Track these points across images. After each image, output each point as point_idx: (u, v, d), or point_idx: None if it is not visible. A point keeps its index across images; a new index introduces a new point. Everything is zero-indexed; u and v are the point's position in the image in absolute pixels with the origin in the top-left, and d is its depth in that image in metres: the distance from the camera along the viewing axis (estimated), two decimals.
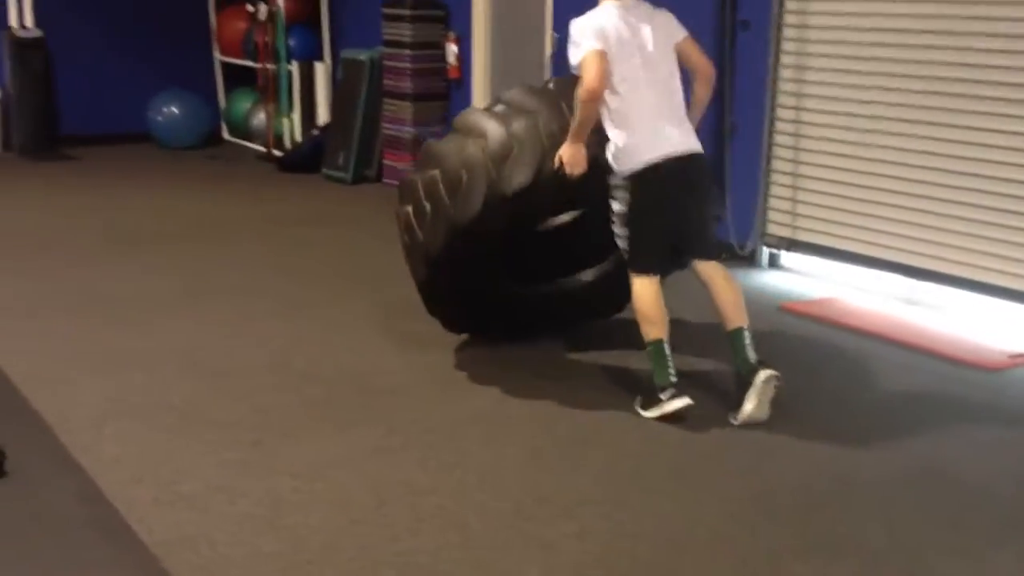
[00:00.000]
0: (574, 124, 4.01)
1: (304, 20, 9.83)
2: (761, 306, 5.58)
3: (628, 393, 4.21)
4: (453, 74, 8.53)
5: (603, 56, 3.92)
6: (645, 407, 4.06)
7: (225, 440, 3.78)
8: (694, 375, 4.38)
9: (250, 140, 10.30)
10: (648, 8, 4.19)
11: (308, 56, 9.69)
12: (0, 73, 9.73)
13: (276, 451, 3.71)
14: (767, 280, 6.12)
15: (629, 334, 4.31)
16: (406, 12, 8.41)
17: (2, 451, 3.46)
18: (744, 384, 3.98)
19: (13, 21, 9.51)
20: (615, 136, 4.02)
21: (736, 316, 4.07)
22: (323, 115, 9.56)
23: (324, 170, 9.07)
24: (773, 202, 6.25)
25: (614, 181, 4.09)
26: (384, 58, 8.78)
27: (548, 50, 7.59)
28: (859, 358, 4.83)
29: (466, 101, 8.47)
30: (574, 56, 4.02)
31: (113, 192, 8.22)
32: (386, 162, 8.90)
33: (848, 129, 5.78)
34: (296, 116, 9.68)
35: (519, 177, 4.06)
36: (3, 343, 4.71)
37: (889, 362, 4.78)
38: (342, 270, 6.13)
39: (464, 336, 4.88)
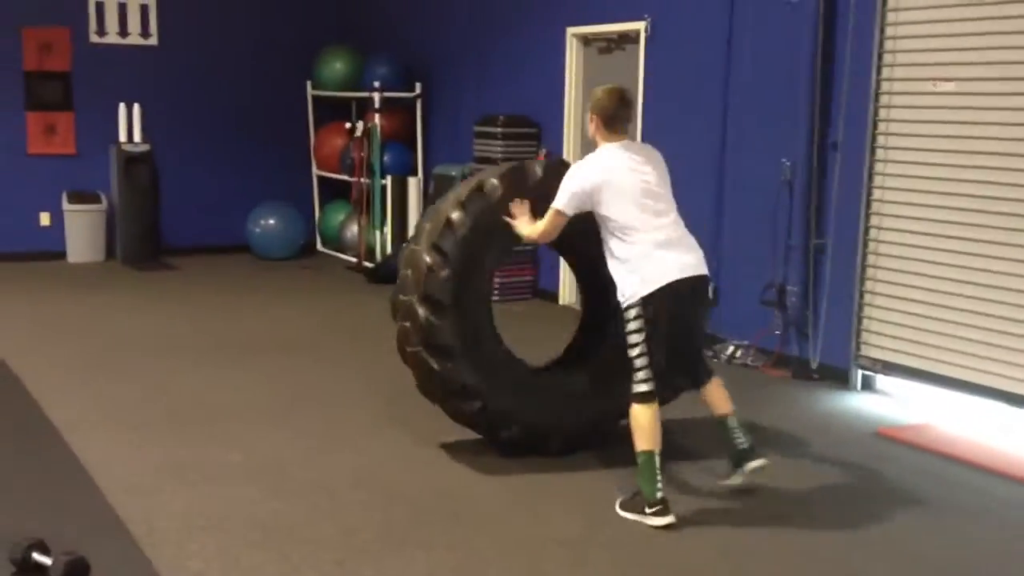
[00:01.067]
0: (532, 231, 4.48)
1: (399, 137, 10.12)
2: (856, 431, 5.47)
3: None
4: None
5: (559, 216, 4.33)
6: (624, 508, 4.27)
7: (309, 559, 3.77)
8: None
9: (342, 251, 10.54)
10: (646, 147, 4.55)
11: (401, 171, 9.95)
12: (108, 185, 10.16)
13: (359, 572, 3.69)
14: (861, 403, 5.97)
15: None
16: (498, 129, 8.60)
17: (86, 563, 3.50)
18: (736, 460, 4.49)
19: (123, 137, 9.96)
20: (623, 272, 4.26)
21: (723, 405, 4.52)
22: (413, 228, 9.72)
23: None
24: (867, 323, 6.13)
25: (628, 308, 4.25)
26: (474, 174, 8.92)
27: None
28: (959, 490, 4.65)
29: None
30: (557, 198, 4.33)
31: (210, 302, 8.43)
32: None
33: (943, 250, 5.68)
34: (387, 229, 9.89)
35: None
36: (98, 451, 4.80)
37: (991, 495, 4.59)
38: None
39: (554, 458, 4.83)
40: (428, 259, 4.63)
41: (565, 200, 4.30)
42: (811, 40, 6.23)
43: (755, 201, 6.75)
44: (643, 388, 4.22)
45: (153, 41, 10.42)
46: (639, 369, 4.23)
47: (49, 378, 6.02)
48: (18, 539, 3.60)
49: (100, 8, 10.17)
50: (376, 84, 9.73)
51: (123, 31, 10.30)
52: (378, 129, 9.81)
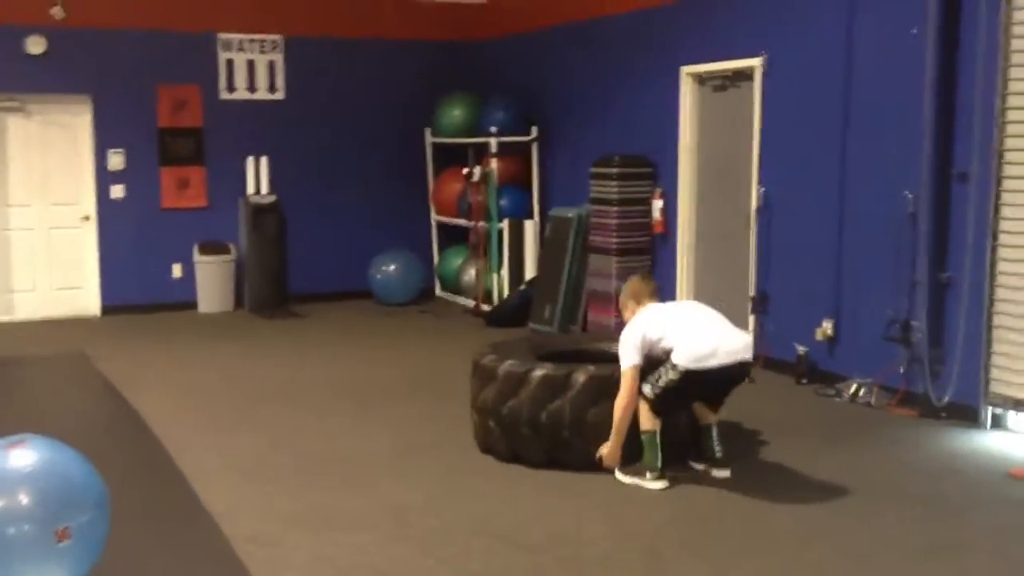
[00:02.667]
0: (615, 427, 5.03)
1: (515, 181, 10.24)
2: (987, 471, 5.26)
3: None
4: (658, 228, 8.62)
5: (638, 371, 5.00)
6: (631, 475, 5.08)
7: None
8: None
9: (460, 295, 10.68)
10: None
11: (518, 214, 10.05)
12: (237, 236, 10.55)
13: None
14: (992, 443, 5.74)
15: None
16: (614, 170, 8.61)
17: None
18: (708, 461, 5.22)
19: (251, 188, 10.34)
20: (676, 345, 4.94)
21: (708, 415, 5.22)
22: (531, 270, 9.82)
23: (531, 324, 9.26)
24: (996, 359, 5.90)
25: (669, 359, 4.94)
26: (591, 214, 8.98)
27: (754, 204, 7.56)
28: None
29: (671, 255, 8.52)
30: (623, 362, 5.04)
31: (334, 349, 8.63)
32: (591, 316, 9.00)
33: None
34: (505, 271, 9.99)
35: None
36: (224, 500, 4.96)
37: None
38: None
39: (673, 503, 4.78)
40: None
41: (635, 353, 5.02)
42: (933, 69, 6.09)
43: (877, 235, 6.59)
44: (647, 394, 4.98)
45: (280, 96, 10.82)
46: (657, 389, 4.96)
47: (179, 426, 6.25)
48: None
49: (230, 65, 10.61)
50: (493, 129, 9.88)
51: (251, 87, 10.72)
52: (495, 173, 9.94)
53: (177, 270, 10.54)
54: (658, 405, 4.97)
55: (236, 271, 10.53)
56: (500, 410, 5.36)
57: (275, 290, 10.37)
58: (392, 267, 10.73)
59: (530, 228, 9.98)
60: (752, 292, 7.63)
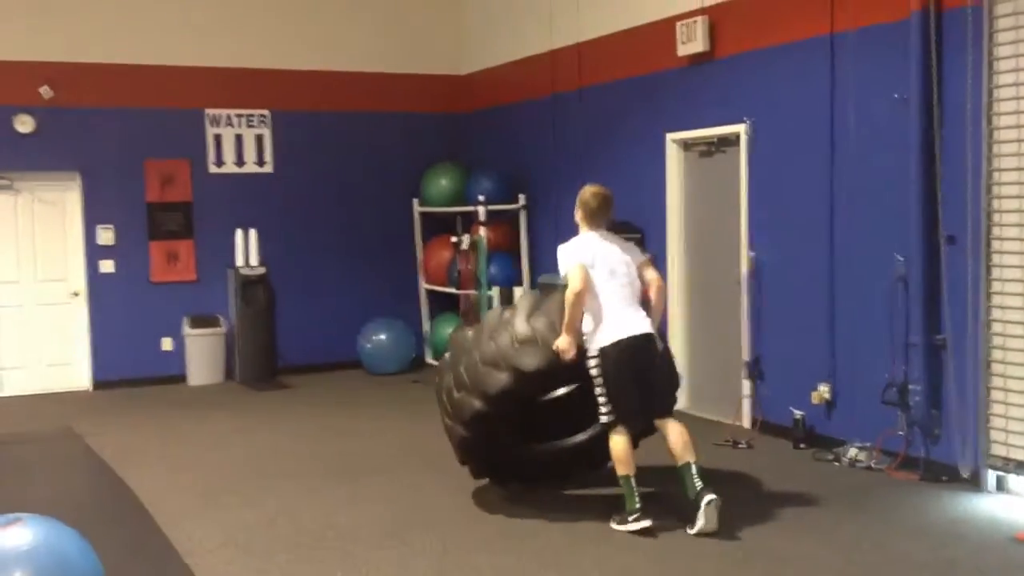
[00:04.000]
0: (566, 320, 5.39)
1: (504, 248, 10.27)
2: (992, 536, 5.23)
3: None
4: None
5: (584, 268, 5.45)
6: (617, 523, 5.39)
7: None
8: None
9: None
10: (615, 237, 5.78)
11: (507, 282, 10.06)
12: (226, 308, 10.51)
13: None
14: (994, 506, 5.70)
15: None
16: None
17: None
18: (695, 506, 5.23)
19: (240, 261, 10.34)
20: (588, 325, 5.44)
21: (685, 454, 5.37)
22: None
23: None
24: (996, 420, 5.89)
25: (589, 356, 5.43)
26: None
27: (744, 269, 7.59)
28: None
29: (661, 320, 8.50)
30: (563, 267, 5.52)
31: (326, 421, 8.55)
32: None
33: None
34: None
35: (535, 361, 5.45)
36: None
37: None
38: (553, 497, 6.11)
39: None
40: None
41: (577, 257, 5.50)
42: (918, 132, 6.16)
43: (870, 298, 6.62)
44: (607, 419, 5.41)
45: (268, 168, 10.88)
46: (601, 405, 5.41)
47: (172, 501, 6.17)
48: None
49: (218, 140, 10.68)
50: (480, 197, 9.94)
51: (240, 160, 10.77)
52: (484, 241, 9.97)
53: (167, 343, 10.47)
54: (619, 414, 5.37)
55: (226, 343, 10.48)
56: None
57: (265, 361, 10.32)
58: (382, 336, 10.70)
59: (519, 295, 9.98)
60: (746, 357, 7.63)
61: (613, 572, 4.83)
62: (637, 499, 5.32)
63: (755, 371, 7.55)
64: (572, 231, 9.23)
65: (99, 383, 10.21)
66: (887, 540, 5.20)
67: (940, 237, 6.11)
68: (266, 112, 10.84)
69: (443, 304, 11.13)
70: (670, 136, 8.33)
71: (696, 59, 7.97)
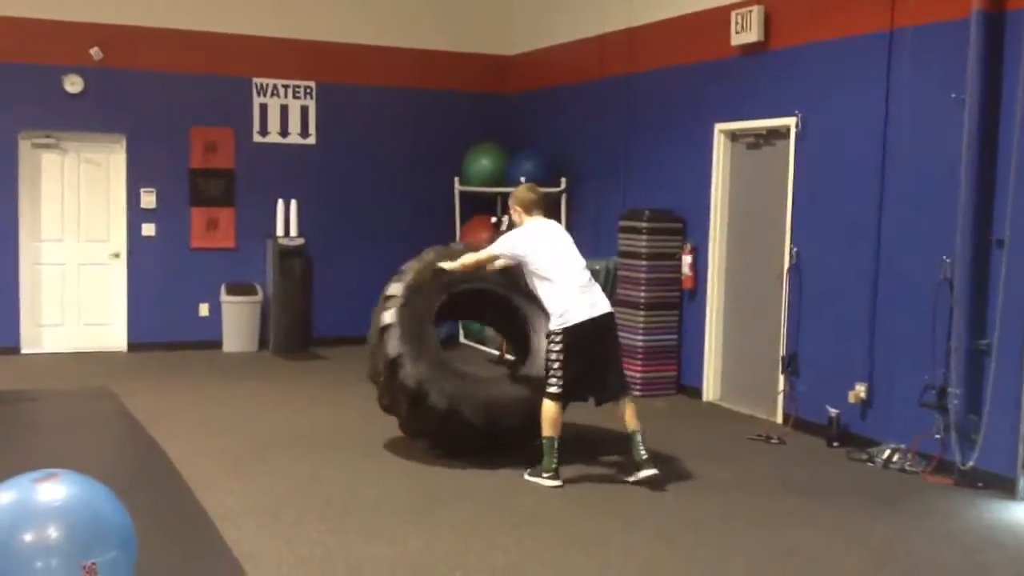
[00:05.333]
0: (466, 261, 6.23)
1: None
2: None
3: None
4: (687, 284, 8.57)
5: (492, 257, 6.19)
6: (530, 475, 5.95)
7: None
8: None
9: (484, 344, 10.63)
10: (555, 224, 6.26)
11: None
12: (264, 277, 10.56)
13: None
14: None
15: None
16: (643, 224, 8.59)
17: None
18: (637, 467, 5.89)
19: (280, 231, 10.37)
20: (553, 305, 5.88)
21: (633, 425, 5.91)
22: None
23: None
24: None
25: (554, 332, 5.87)
26: (619, 268, 8.93)
27: (787, 263, 7.51)
28: None
29: (699, 310, 8.47)
30: (493, 248, 6.17)
31: (357, 392, 8.52)
32: None
33: None
34: None
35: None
36: (250, 542, 4.89)
37: None
38: (585, 483, 6.09)
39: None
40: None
41: (501, 250, 6.09)
42: (974, 134, 6.05)
43: (912, 299, 6.53)
44: (553, 390, 5.85)
45: (311, 140, 10.89)
46: (552, 377, 5.86)
47: (203, 466, 6.20)
48: None
49: (264, 110, 10.70)
50: (522, 179, 9.88)
51: (284, 131, 10.80)
52: None
53: (204, 309, 10.55)
54: (564, 388, 5.82)
55: (262, 312, 10.53)
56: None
57: (299, 332, 10.36)
58: None
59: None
60: (783, 352, 7.56)
61: (641, 560, 4.80)
62: (555, 460, 5.85)
63: (791, 367, 7.48)
64: (612, 215, 9.26)
65: (134, 345, 10.30)
66: (919, 544, 5.14)
67: (989, 240, 6.01)
68: (312, 84, 10.85)
69: None
70: (718, 127, 8.25)
71: (749, 49, 7.88)
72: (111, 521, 3.64)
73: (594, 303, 5.91)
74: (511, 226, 6.46)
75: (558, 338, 5.84)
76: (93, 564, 3.45)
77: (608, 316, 5.97)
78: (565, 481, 6.02)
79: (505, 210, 10.43)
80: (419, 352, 6.21)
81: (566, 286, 5.86)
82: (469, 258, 6.24)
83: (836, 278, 7.17)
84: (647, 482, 5.82)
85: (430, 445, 6.48)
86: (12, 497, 3.53)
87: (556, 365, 5.85)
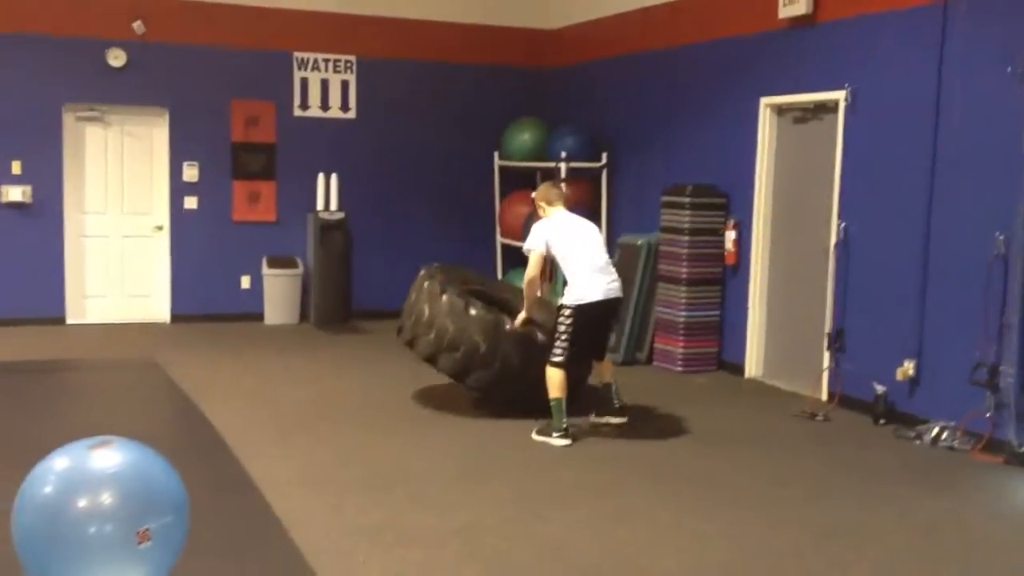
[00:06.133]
0: (525, 302, 6.59)
1: (583, 207, 10.13)
2: None
3: None
4: (730, 260, 8.50)
5: (542, 257, 6.45)
6: (538, 434, 6.29)
7: None
8: None
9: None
10: (574, 215, 6.63)
11: None
12: (304, 251, 10.59)
13: None
14: None
15: None
16: (686, 199, 8.52)
17: None
18: (611, 411, 6.54)
19: (320, 205, 10.39)
20: (570, 284, 6.31)
21: (608, 377, 6.56)
22: None
23: None
24: None
25: (564, 307, 6.29)
26: (661, 243, 8.89)
27: (833, 239, 7.42)
28: None
29: (742, 286, 8.40)
30: (528, 246, 6.48)
31: (398, 365, 8.55)
32: (657, 345, 8.89)
33: None
34: None
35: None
36: (296, 511, 4.92)
37: None
38: (628, 454, 6.07)
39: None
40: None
41: (535, 245, 6.43)
42: None
43: (964, 275, 6.42)
44: (557, 359, 6.25)
45: (352, 115, 10.89)
46: (557, 348, 6.25)
47: (248, 435, 6.25)
48: None
49: (304, 84, 10.71)
50: (563, 154, 9.84)
51: (324, 105, 10.80)
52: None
53: (245, 282, 10.61)
54: (566, 357, 6.22)
55: (303, 285, 10.57)
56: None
57: (340, 306, 10.38)
58: None
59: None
60: (828, 328, 7.48)
61: (687, 537, 4.78)
62: (564, 420, 6.19)
63: (837, 343, 7.40)
64: (654, 190, 9.20)
65: (177, 316, 10.38)
66: (968, 521, 5.08)
67: None
68: (352, 58, 10.83)
69: (517, 258, 11.06)
70: (764, 100, 8.13)
71: (797, 22, 7.76)
72: (165, 487, 3.66)
73: (608, 287, 6.32)
74: (536, 218, 6.76)
75: (568, 312, 6.25)
76: (147, 530, 3.47)
77: (617, 300, 6.45)
78: (611, 455, 6.01)
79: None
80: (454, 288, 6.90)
81: (583, 269, 6.29)
82: (531, 285, 6.49)
83: (885, 253, 7.07)
84: (615, 427, 6.48)
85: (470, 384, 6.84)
86: (66, 464, 3.55)
87: (564, 337, 6.25)
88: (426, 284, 7.00)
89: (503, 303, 7.35)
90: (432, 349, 6.80)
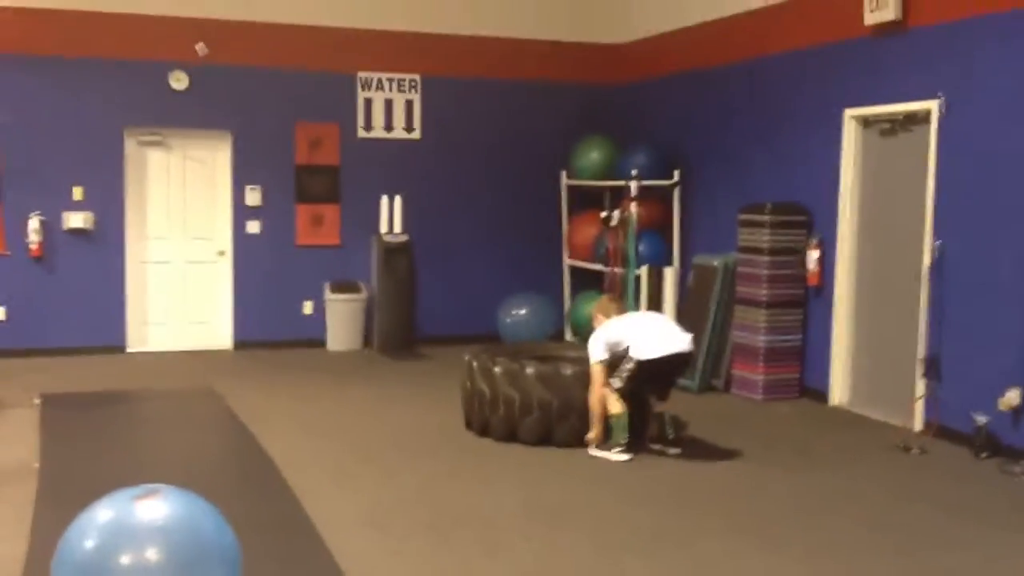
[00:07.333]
0: (595, 417, 6.38)
1: (655, 226, 9.79)
2: None
3: None
4: (813, 281, 8.05)
5: (606, 368, 6.34)
6: (597, 448, 6.36)
7: None
8: None
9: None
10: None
11: (657, 261, 9.59)
12: (368, 275, 10.36)
13: None
14: None
15: None
16: (765, 218, 8.10)
17: None
18: (665, 443, 6.49)
19: (384, 227, 10.15)
20: (631, 345, 6.36)
21: (657, 406, 6.53)
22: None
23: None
24: None
25: (629, 358, 6.30)
26: (738, 264, 8.48)
27: (927, 259, 6.95)
28: None
29: (826, 308, 7.95)
30: (592, 357, 6.39)
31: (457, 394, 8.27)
32: (735, 372, 8.46)
33: None
34: None
35: None
36: (356, 555, 4.61)
37: None
38: (707, 492, 5.68)
39: None
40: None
41: (598, 354, 6.36)
42: None
43: None
44: (616, 385, 6.30)
45: (416, 135, 10.65)
46: (617, 378, 6.30)
47: (308, 471, 5.97)
48: None
49: (368, 104, 10.50)
50: (634, 172, 9.48)
51: (388, 126, 10.58)
52: (634, 218, 9.52)
53: (308, 307, 10.40)
54: (624, 391, 6.27)
55: (366, 310, 10.33)
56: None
57: (404, 331, 10.12)
58: (523, 311, 10.36)
59: (670, 275, 9.51)
60: (922, 354, 7.00)
61: None
62: (625, 435, 6.25)
63: (932, 370, 6.91)
64: (729, 209, 8.79)
65: (239, 343, 10.20)
66: None
67: None
68: (416, 77, 10.61)
69: (586, 281, 10.72)
70: (849, 112, 7.70)
71: (884, 29, 7.32)
72: (214, 540, 3.39)
73: (673, 343, 6.37)
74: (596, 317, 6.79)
75: (632, 363, 6.31)
76: None
77: (684, 355, 6.46)
78: (688, 494, 5.61)
79: (615, 204, 10.06)
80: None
81: (645, 332, 6.41)
82: (598, 401, 6.35)
83: (985, 273, 6.59)
84: (672, 456, 6.39)
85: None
86: (110, 516, 3.30)
87: (624, 376, 6.32)
88: (475, 364, 6.78)
89: (555, 360, 7.02)
90: (507, 425, 6.58)
